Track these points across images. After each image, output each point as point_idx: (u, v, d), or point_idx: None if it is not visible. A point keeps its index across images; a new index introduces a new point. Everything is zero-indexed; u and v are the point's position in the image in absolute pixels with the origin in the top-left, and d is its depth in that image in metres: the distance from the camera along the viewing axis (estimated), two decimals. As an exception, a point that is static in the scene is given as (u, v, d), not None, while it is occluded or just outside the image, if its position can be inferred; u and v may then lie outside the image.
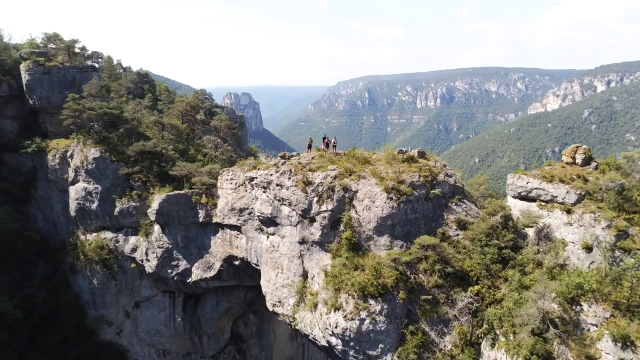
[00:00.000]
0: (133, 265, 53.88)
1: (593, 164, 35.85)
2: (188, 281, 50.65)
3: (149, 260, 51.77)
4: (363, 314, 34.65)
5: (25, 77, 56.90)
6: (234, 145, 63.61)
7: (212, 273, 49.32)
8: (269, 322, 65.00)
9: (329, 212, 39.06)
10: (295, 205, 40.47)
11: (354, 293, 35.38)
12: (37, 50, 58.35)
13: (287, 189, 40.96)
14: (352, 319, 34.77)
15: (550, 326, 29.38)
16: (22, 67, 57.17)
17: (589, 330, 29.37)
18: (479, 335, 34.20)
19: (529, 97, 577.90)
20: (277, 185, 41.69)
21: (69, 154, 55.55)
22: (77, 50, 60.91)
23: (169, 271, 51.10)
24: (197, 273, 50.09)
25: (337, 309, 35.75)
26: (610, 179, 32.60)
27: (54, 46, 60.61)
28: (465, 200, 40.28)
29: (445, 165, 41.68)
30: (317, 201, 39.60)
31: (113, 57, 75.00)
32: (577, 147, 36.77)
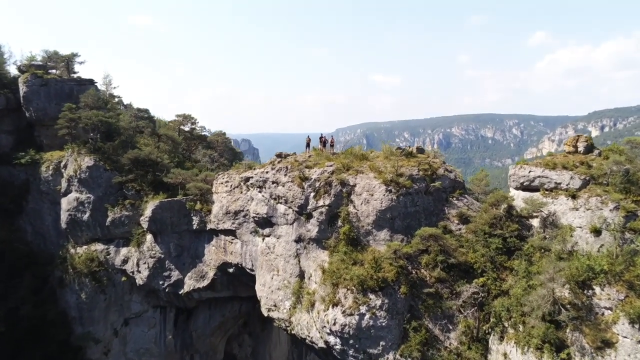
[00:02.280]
0: (124, 278, 51.81)
1: (596, 152, 35.12)
2: (180, 292, 48.53)
3: (140, 272, 49.79)
4: (363, 309, 32.78)
5: (22, 88, 57.02)
6: (230, 161, 62.90)
7: (205, 282, 47.31)
8: (264, 344, 61.87)
9: (326, 207, 37.87)
10: (292, 202, 39.29)
11: (353, 287, 33.64)
12: (35, 63, 58.85)
13: (283, 186, 39.91)
14: (351, 314, 32.86)
15: (562, 309, 27.67)
16: (21, 79, 57.44)
17: (603, 314, 27.58)
18: (486, 331, 32.28)
19: (524, 142, 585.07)
20: (273, 182, 40.67)
21: (62, 164, 54.74)
22: (76, 66, 61.38)
23: (161, 282, 49.04)
24: (189, 283, 48.06)
25: (335, 304, 33.87)
26: (615, 160, 31.81)
27: (53, 64, 61.14)
28: (466, 195, 39.23)
29: (444, 162, 40.88)
30: (314, 196, 38.50)
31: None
32: (578, 136, 36.20)
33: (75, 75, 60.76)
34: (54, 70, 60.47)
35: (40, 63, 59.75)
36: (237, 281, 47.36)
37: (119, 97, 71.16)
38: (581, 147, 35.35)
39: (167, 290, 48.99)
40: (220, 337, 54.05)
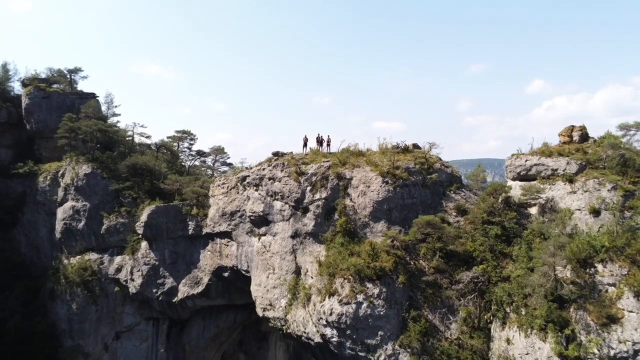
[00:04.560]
0: (117, 288, 50.53)
1: (590, 140, 35.23)
2: (174, 301, 47.22)
3: (133, 280, 48.66)
4: (360, 297, 31.91)
5: (25, 101, 57.85)
6: (228, 174, 62.81)
7: (199, 289, 46.14)
8: (260, 364, 59.50)
9: (323, 200, 37.60)
10: (288, 197, 39.05)
11: (350, 277, 32.90)
12: (39, 77, 59.98)
13: (279, 181, 39.80)
14: (348, 303, 31.95)
15: (565, 284, 26.93)
16: (24, 91, 58.45)
17: (606, 291, 26.84)
18: (488, 320, 31.27)
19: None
20: (270, 179, 40.58)
21: (60, 173, 54.80)
22: (79, 83, 62.59)
23: (154, 290, 47.81)
24: (183, 290, 46.85)
25: (331, 294, 33.02)
26: (610, 144, 31.90)
27: (56, 78, 62.32)
28: (463, 189, 39.00)
29: (440, 159, 40.90)
30: (311, 190, 38.32)
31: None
32: (573, 126, 36.33)
33: (77, 89, 61.79)
34: (57, 85, 61.56)
35: (44, 77, 60.96)
36: (232, 287, 46.21)
37: (119, 115, 72.07)
38: (576, 136, 35.49)
39: (160, 298, 47.67)
40: (215, 350, 52.01)
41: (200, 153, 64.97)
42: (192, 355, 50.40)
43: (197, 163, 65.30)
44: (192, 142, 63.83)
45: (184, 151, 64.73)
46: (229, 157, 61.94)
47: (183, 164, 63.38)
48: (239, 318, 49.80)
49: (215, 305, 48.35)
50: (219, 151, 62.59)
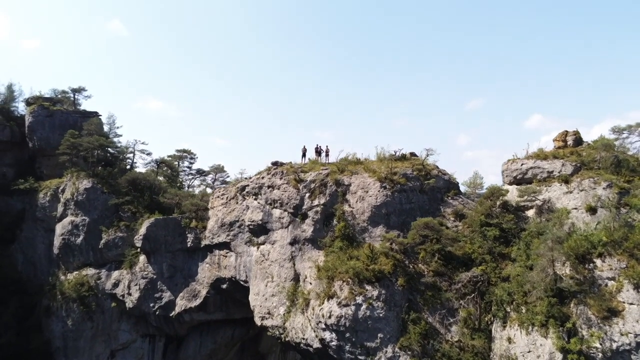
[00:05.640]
0: (113, 304, 49.85)
1: (585, 144, 35.82)
2: (171, 315, 46.57)
3: (130, 294, 48.11)
4: (359, 299, 31.67)
5: (28, 119, 58.77)
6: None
7: (197, 302, 45.58)
8: (258, 386, 57.91)
9: (322, 206, 37.82)
10: (287, 204, 39.26)
11: (349, 279, 32.77)
12: (43, 97, 61.22)
13: (278, 189, 40.12)
14: (347, 305, 31.68)
15: (563, 277, 26.87)
16: (27, 110, 59.49)
17: (606, 285, 26.81)
18: (488, 321, 30.98)
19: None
20: (269, 187, 40.89)
21: (60, 189, 55.08)
22: (83, 103, 63.84)
23: (151, 305, 47.21)
24: (181, 304, 46.28)
25: (330, 297, 32.77)
26: (604, 144, 32.44)
27: (60, 98, 63.61)
28: (461, 195, 39.30)
29: (437, 166, 41.36)
30: (309, 196, 38.59)
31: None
32: (567, 131, 37.00)
33: (80, 108, 62.93)
34: (60, 105, 62.64)
35: (48, 96, 62.20)
36: (230, 300, 45.71)
37: (120, 136, 72.62)
38: (570, 140, 36.11)
39: (157, 313, 47.01)
40: (211, 368, 50.88)
41: (200, 172, 65.50)
42: (189, 373, 49.25)
43: (197, 182, 65.76)
44: (192, 161, 64.55)
45: (184, 170, 65.39)
46: (228, 176, 62.33)
47: (183, 183, 63.84)
48: (237, 333, 48.99)
49: (212, 320, 47.67)
50: (218, 170, 63.08)
